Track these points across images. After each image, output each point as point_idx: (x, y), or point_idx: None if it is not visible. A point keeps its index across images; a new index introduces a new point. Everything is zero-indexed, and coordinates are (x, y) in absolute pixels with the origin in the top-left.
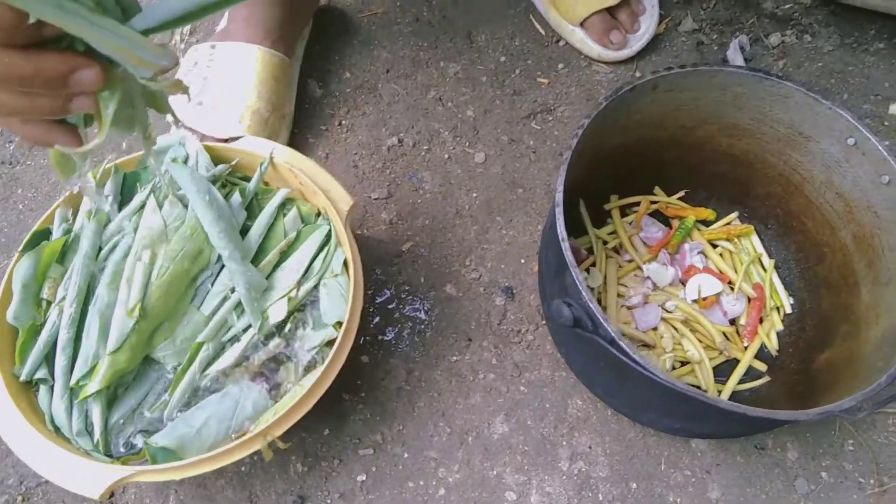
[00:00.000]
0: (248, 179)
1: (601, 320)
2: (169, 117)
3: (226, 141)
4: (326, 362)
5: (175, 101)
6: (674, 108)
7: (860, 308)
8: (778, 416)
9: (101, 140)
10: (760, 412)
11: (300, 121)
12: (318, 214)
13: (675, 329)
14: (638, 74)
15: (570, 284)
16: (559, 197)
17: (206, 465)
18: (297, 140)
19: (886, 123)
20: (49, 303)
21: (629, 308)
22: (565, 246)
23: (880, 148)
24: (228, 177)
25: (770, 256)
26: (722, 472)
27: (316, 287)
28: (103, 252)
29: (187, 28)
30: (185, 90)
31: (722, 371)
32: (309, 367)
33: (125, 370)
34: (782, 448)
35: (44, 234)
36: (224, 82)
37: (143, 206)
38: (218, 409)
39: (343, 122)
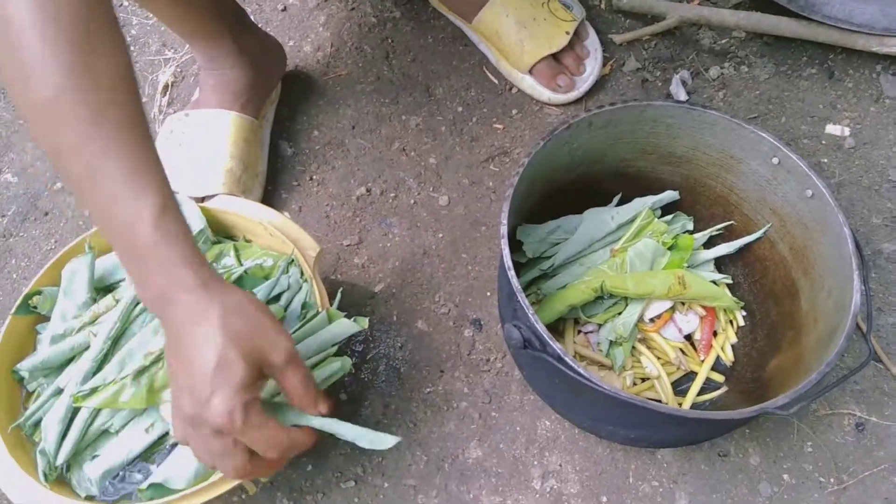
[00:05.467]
0: (228, 237)
1: (547, 339)
2: None
3: (202, 199)
4: None
5: None
6: (612, 143)
7: (801, 315)
8: (714, 416)
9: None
10: (696, 414)
11: (274, 178)
12: (292, 262)
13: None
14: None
15: (519, 308)
16: (504, 230)
17: (190, 500)
18: (272, 196)
19: (824, 142)
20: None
21: (586, 333)
22: (511, 274)
23: (801, 164)
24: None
25: (720, 272)
26: (688, 481)
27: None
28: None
29: (165, 99)
30: None
31: (682, 385)
32: None
33: (125, 405)
34: (744, 454)
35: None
36: (198, 146)
37: None
38: None
39: (314, 176)
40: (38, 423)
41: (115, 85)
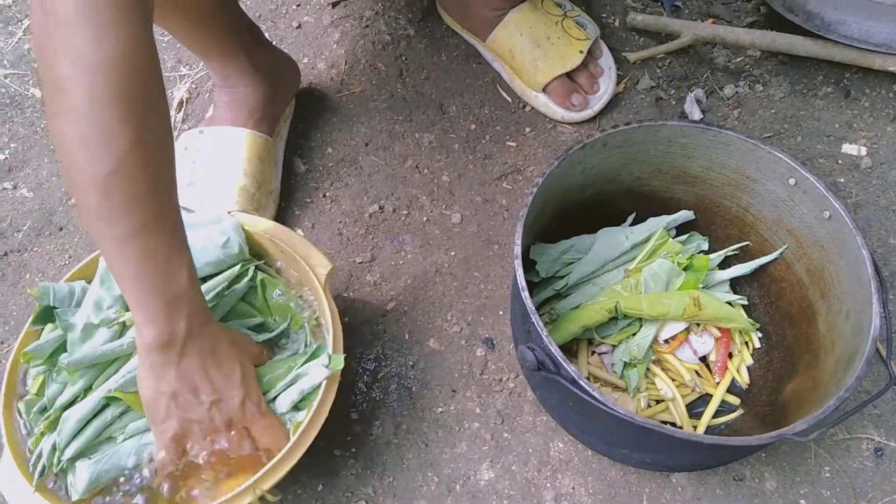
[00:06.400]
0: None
1: (561, 361)
2: None
3: None
4: (310, 415)
5: None
6: (627, 162)
7: (818, 337)
8: (732, 441)
9: None
10: (713, 439)
11: (287, 195)
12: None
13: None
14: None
15: (533, 330)
16: (517, 250)
17: None
18: (285, 213)
19: (840, 162)
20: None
21: (600, 354)
22: (525, 295)
23: (818, 185)
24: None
25: (735, 293)
26: None
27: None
28: None
29: (180, 115)
30: None
31: (697, 407)
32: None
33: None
34: (760, 478)
35: (48, 310)
36: (212, 163)
37: None
38: None
39: (327, 193)
40: (43, 410)
41: (166, 150)
